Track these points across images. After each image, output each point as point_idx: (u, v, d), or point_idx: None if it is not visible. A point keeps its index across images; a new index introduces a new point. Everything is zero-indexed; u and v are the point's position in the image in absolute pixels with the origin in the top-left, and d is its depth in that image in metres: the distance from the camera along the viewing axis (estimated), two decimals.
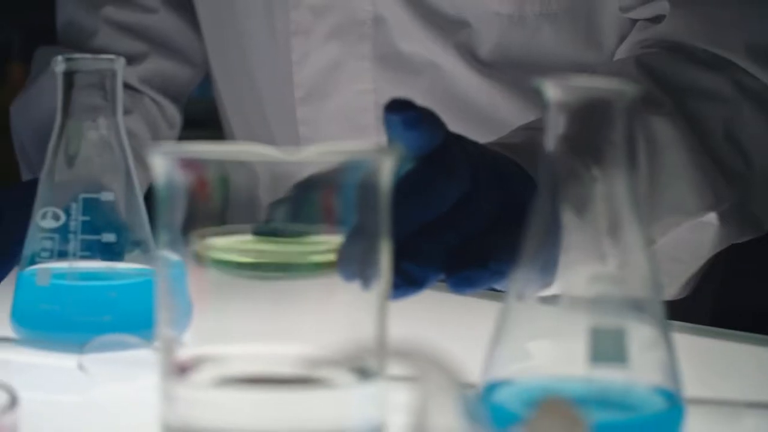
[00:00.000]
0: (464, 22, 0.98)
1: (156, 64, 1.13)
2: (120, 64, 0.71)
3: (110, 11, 1.13)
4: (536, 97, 1.00)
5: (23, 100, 1.13)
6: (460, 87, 0.99)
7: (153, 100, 1.13)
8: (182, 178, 0.48)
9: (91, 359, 0.63)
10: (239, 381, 0.48)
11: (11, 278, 0.76)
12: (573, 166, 0.53)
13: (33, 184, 0.90)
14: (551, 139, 0.53)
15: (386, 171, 0.49)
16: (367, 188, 0.49)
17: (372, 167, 0.49)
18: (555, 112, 0.52)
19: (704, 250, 0.96)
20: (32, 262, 0.71)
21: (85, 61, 0.72)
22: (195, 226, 0.48)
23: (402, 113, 0.62)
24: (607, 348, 0.51)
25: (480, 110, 1.00)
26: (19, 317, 0.72)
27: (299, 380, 0.48)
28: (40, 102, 1.11)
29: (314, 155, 0.50)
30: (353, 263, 0.49)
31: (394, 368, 0.55)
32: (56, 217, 0.70)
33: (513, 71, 0.99)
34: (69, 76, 0.71)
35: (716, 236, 0.94)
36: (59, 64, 0.71)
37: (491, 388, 0.53)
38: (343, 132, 1.02)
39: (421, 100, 1.00)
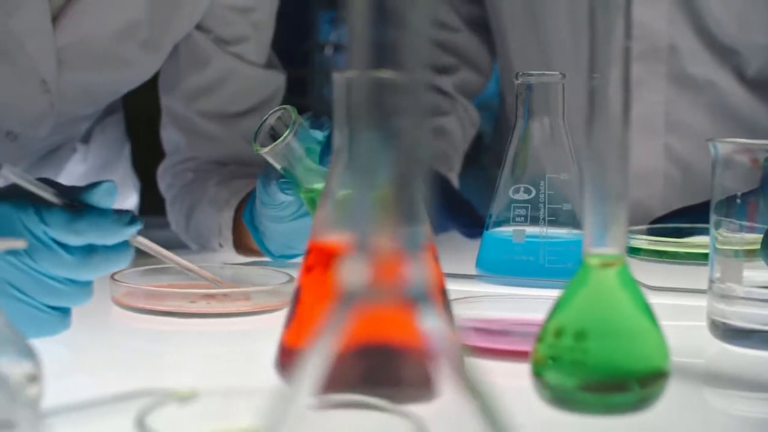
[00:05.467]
0: (736, 51, 1.26)
1: (465, 75, 1.40)
2: (561, 78, 0.97)
3: None
4: None
5: None
6: (731, 101, 1.28)
7: (462, 104, 1.40)
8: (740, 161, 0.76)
9: None
10: None
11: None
12: None
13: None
14: None
15: None
16: None
17: None
18: None
19: None
20: (498, 224, 0.98)
21: (535, 75, 0.97)
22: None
23: None
24: None
25: (745, 119, 1.28)
26: (486, 265, 0.99)
27: None
28: None
29: None
30: None
31: None
32: (528, 192, 0.97)
33: None
34: (524, 87, 0.97)
35: None
36: (520, 77, 0.97)
37: None
38: (634, 133, 1.29)
39: (702, 112, 1.29)
